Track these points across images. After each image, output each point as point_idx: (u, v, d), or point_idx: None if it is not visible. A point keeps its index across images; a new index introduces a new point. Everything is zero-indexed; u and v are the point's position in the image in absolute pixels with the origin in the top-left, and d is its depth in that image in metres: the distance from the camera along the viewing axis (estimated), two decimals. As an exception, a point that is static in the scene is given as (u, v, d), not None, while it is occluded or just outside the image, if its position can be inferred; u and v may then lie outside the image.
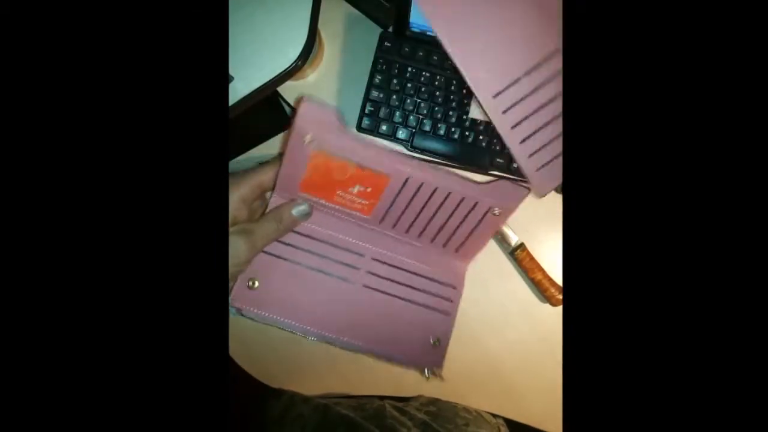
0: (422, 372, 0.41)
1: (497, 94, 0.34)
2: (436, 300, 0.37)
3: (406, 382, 0.52)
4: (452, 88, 0.47)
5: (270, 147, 0.49)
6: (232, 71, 0.38)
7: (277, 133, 0.49)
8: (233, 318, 0.50)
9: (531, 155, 0.36)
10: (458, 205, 0.35)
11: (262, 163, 0.37)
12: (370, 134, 0.48)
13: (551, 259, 0.49)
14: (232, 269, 0.32)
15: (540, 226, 0.49)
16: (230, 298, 0.34)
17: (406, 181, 0.34)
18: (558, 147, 0.35)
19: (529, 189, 0.35)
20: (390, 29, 0.47)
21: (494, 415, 0.52)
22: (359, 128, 0.48)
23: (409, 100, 0.48)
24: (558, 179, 0.35)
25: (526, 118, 0.34)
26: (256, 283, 0.34)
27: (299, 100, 0.33)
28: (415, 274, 0.37)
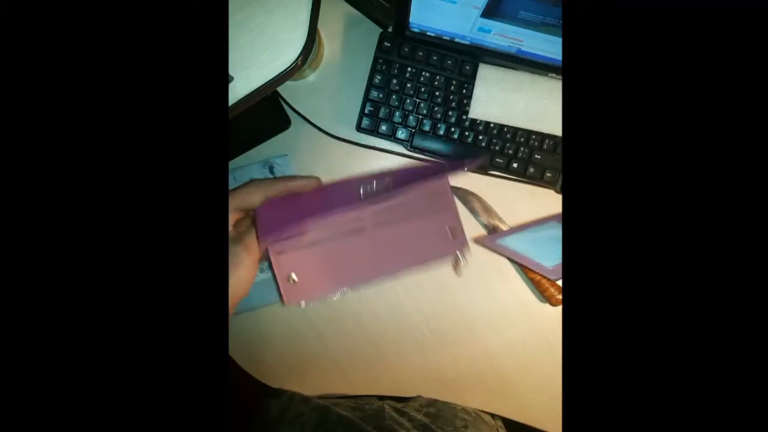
0: (456, 263, 0.48)
1: None
2: (435, 202, 0.41)
3: (406, 381, 0.52)
4: (452, 88, 0.47)
5: (270, 147, 0.49)
6: (231, 71, 0.38)
7: (276, 133, 0.49)
8: (233, 318, 0.50)
9: None
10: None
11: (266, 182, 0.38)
12: (370, 134, 0.48)
13: (551, 259, 0.49)
14: (240, 276, 0.33)
15: (539, 226, 0.49)
16: (285, 299, 0.38)
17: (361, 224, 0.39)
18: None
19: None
20: (390, 29, 0.47)
21: (493, 416, 0.52)
22: (359, 128, 0.48)
23: (408, 100, 0.48)
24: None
25: None
26: (295, 277, 0.38)
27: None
28: (408, 200, 0.41)
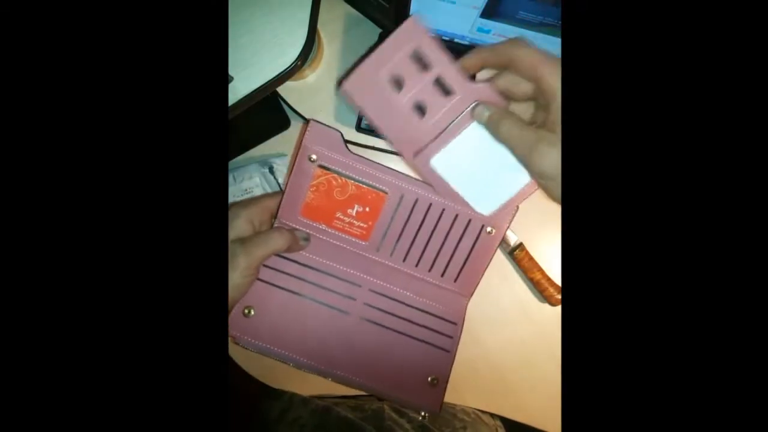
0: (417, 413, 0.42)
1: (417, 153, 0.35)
2: (436, 336, 0.37)
3: (406, 381, 0.52)
4: (451, 88, 0.47)
5: (269, 147, 0.49)
6: (231, 71, 0.38)
7: (276, 133, 0.49)
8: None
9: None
10: (453, 223, 0.36)
11: (269, 193, 0.38)
12: (369, 134, 0.48)
13: (550, 259, 0.49)
14: (234, 280, 0.32)
15: (539, 227, 0.49)
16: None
17: (402, 197, 0.35)
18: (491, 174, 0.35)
19: (517, 207, 0.36)
20: (389, 29, 0.47)
21: (492, 416, 0.52)
22: (358, 128, 0.48)
23: (408, 101, 0.47)
24: (501, 200, 0.36)
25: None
26: (252, 311, 0.35)
27: (306, 123, 0.35)
28: (413, 307, 0.37)
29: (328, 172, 0.35)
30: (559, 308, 0.49)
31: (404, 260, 0.37)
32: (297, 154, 0.35)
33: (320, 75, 0.49)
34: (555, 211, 0.50)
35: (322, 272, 0.36)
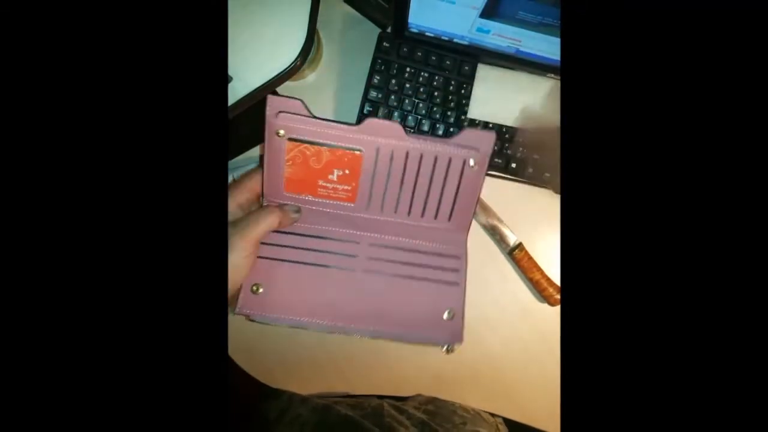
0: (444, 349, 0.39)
1: None
2: (442, 273, 0.37)
3: (405, 381, 0.52)
4: (451, 88, 0.47)
5: (269, 147, 0.49)
6: (231, 72, 0.38)
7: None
8: (233, 318, 0.50)
9: None
10: (434, 167, 0.35)
11: (250, 170, 0.37)
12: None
13: (549, 259, 0.49)
14: (233, 262, 0.32)
15: (538, 227, 0.49)
16: (238, 306, 0.34)
17: (377, 151, 0.35)
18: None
19: (495, 133, 0.36)
20: (388, 30, 0.47)
21: (493, 415, 0.52)
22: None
23: (407, 101, 0.48)
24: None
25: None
26: (260, 289, 0.35)
27: (266, 99, 0.34)
28: (414, 251, 0.37)
29: (299, 143, 0.35)
30: (558, 308, 0.49)
31: (395, 212, 0.37)
32: (265, 132, 0.35)
33: (320, 75, 0.49)
34: (554, 211, 0.50)
35: (320, 238, 0.37)
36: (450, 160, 0.35)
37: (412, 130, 0.48)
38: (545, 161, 0.47)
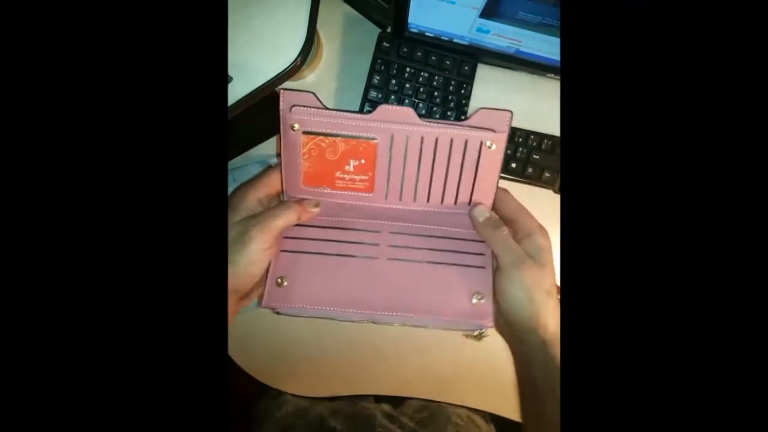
0: (471, 335, 0.39)
1: None
2: (467, 257, 0.36)
3: (406, 381, 0.52)
4: (450, 88, 0.48)
5: (269, 147, 0.49)
6: (231, 72, 0.38)
7: (275, 133, 0.49)
8: (233, 318, 0.50)
9: None
10: (450, 150, 0.35)
11: (270, 166, 0.37)
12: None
13: (549, 258, 0.49)
14: (251, 255, 0.32)
15: (538, 226, 0.49)
16: (264, 300, 0.35)
17: (392, 138, 0.35)
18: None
19: (510, 111, 0.35)
20: (388, 30, 0.47)
21: (486, 420, 0.52)
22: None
23: (407, 101, 0.48)
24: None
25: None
26: (285, 281, 0.35)
27: (278, 94, 0.34)
28: (436, 237, 0.37)
29: (313, 136, 0.35)
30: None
31: (414, 200, 0.37)
32: (280, 127, 0.35)
33: (319, 75, 0.49)
34: (554, 211, 0.50)
35: (341, 229, 0.37)
36: (466, 143, 0.35)
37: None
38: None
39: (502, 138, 0.35)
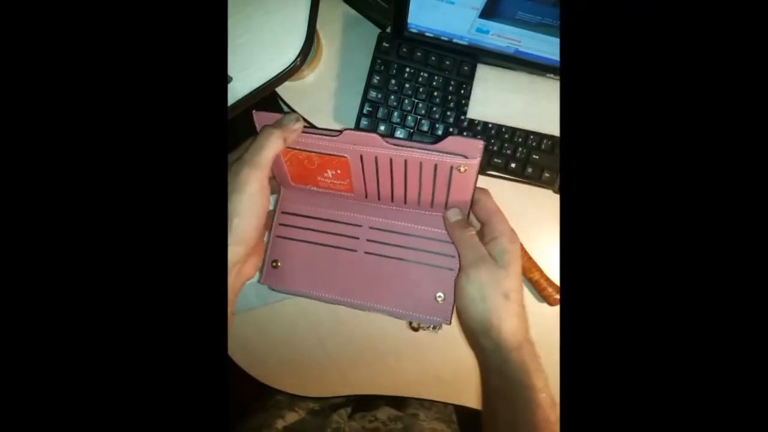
0: (424, 327, 0.46)
1: None
2: (438, 257, 0.39)
3: (405, 381, 0.52)
4: (450, 88, 0.48)
5: (268, 147, 0.49)
6: (230, 72, 0.38)
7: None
8: (233, 318, 0.50)
9: None
10: (420, 170, 0.35)
11: (266, 143, 0.34)
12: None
13: (548, 258, 0.49)
14: (250, 199, 0.31)
15: (537, 226, 0.49)
16: (262, 277, 0.39)
17: (362, 158, 0.36)
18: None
19: (483, 141, 0.35)
20: (388, 30, 0.47)
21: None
22: (357, 129, 0.48)
23: (407, 101, 0.48)
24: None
25: None
26: (279, 264, 0.40)
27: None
28: (412, 235, 0.40)
29: (290, 149, 0.36)
30: (557, 308, 0.49)
31: (392, 201, 0.39)
32: None
33: (319, 75, 0.49)
34: (553, 210, 0.50)
35: (327, 220, 0.40)
36: (436, 167, 0.35)
37: (411, 130, 0.48)
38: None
39: (474, 164, 0.35)
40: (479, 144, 0.35)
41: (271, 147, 0.33)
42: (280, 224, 0.40)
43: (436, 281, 0.38)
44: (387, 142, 0.34)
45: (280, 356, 0.52)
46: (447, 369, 0.52)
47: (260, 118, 0.35)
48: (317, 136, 0.35)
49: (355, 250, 0.40)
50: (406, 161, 0.35)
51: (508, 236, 0.34)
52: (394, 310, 0.39)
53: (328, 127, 0.42)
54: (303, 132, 0.35)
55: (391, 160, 0.35)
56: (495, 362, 0.32)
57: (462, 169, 0.35)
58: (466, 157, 0.34)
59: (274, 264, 0.40)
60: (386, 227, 0.40)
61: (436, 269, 0.39)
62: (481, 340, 0.33)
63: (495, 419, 0.32)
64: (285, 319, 0.51)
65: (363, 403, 0.56)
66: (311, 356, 0.52)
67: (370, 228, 0.40)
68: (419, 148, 0.35)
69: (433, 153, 0.34)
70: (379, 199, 0.39)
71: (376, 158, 0.35)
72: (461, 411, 0.58)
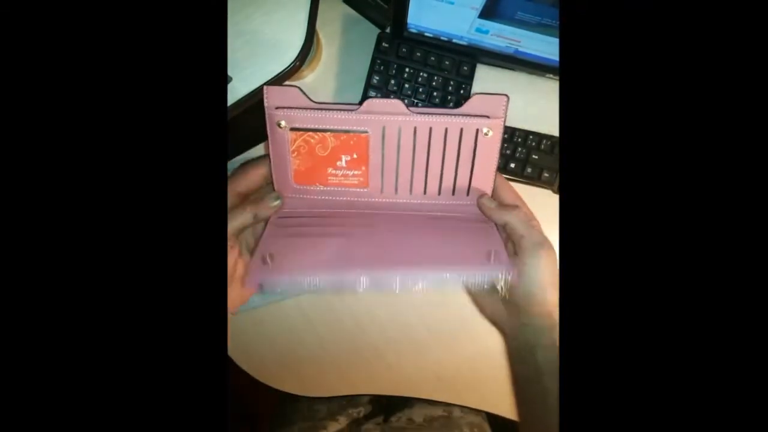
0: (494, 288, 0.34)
1: None
2: (476, 223, 0.35)
3: (406, 381, 0.52)
4: (450, 88, 0.48)
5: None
6: (230, 72, 0.38)
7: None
8: (233, 318, 0.50)
9: None
10: (445, 140, 0.34)
11: (252, 159, 0.36)
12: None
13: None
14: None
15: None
16: (248, 278, 0.32)
17: (384, 130, 0.33)
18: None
19: (506, 96, 0.33)
20: (388, 30, 0.47)
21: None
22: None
23: (406, 101, 0.48)
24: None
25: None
26: (269, 259, 0.32)
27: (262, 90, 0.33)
28: (438, 216, 0.35)
29: (302, 132, 0.33)
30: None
31: (411, 192, 0.36)
32: (267, 125, 0.33)
33: (318, 75, 0.50)
34: (553, 210, 0.50)
35: (334, 218, 0.36)
36: (462, 131, 0.33)
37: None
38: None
39: (499, 123, 0.34)
40: (503, 99, 0.33)
41: (238, 220, 0.32)
42: (279, 217, 0.35)
43: (482, 242, 0.33)
44: (410, 109, 0.33)
45: (280, 356, 0.52)
46: (447, 368, 0.52)
47: (272, 93, 0.33)
48: (335, 111, 0.33)
49: (374, 226, 0.34)
50: (431, 128, 0.33)
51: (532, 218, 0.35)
52: (445, 274, 0.31)
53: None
54: (319, 109, 0.33)
55: (415, 129, 0.33)
56: (545, 341, 0.32)
57: (486, 130, 0.33)
58: (490, 117, 0.33)
59: (268, 258, 0.32)
60: (412, 208, 0.36)
61: (477, 232, 0.34)
62: (530, 320, 0.32)
63: (544, 393, 0.31)
64: (285, 319, 0.51)
65: (391, 403, 0.55)
66: (311, 355, 0.52)
67: (389, 218, 0.35)
68: (444, 113, 0.33)
69: (458, 117, 0.33)
70: (396, 191, 0.35)
71: (399, 130, 0.33)
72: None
